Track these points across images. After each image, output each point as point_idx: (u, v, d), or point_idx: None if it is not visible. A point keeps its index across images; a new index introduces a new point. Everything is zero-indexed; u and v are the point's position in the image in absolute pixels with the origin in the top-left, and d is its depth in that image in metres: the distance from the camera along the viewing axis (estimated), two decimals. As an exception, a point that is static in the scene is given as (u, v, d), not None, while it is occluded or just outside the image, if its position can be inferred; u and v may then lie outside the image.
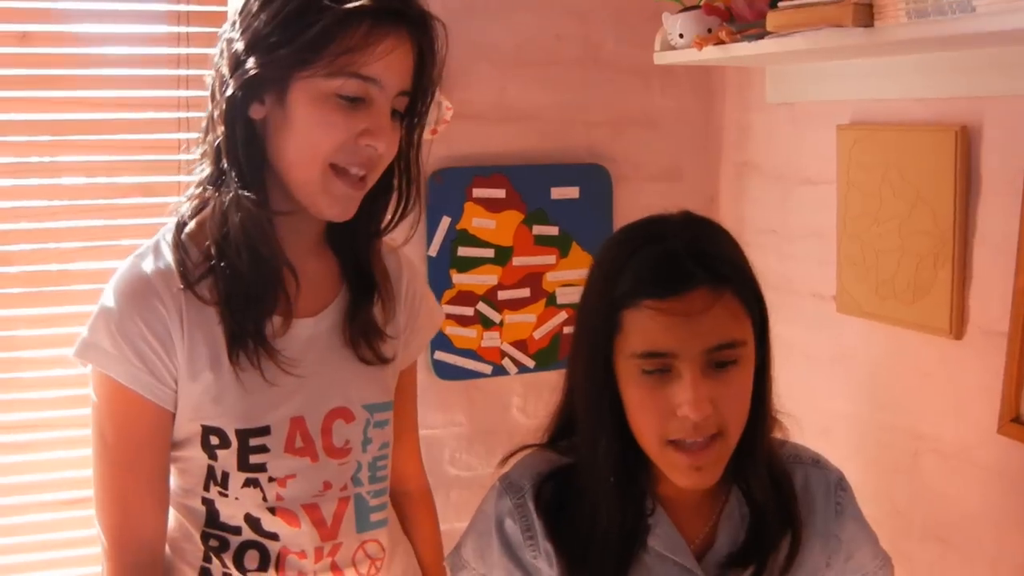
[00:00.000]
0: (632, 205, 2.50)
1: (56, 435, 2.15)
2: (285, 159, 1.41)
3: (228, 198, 1.39)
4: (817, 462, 1.49)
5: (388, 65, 1.38)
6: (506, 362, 2.45)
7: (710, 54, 2.07)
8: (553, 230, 2.44)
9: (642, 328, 1.26)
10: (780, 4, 1.83)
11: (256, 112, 1.39)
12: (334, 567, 1.53)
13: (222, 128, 1.39)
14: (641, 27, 2.38)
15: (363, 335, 1.54)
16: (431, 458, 2.43)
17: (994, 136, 1.81)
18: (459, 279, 2.39)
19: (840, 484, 1.47)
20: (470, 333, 2.41)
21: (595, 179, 2.46)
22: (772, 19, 1.83)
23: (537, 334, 2.46)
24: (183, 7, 2.14)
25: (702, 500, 1.39)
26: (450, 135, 2.31)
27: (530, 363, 2.47)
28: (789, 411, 1.44)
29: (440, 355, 2.40)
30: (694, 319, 1.24)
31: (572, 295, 2.47)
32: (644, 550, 1.36)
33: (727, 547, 1.39)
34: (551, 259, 2.44)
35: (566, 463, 1.41)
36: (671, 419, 1.26)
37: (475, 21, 2.35)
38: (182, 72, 2.12)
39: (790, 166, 2.33)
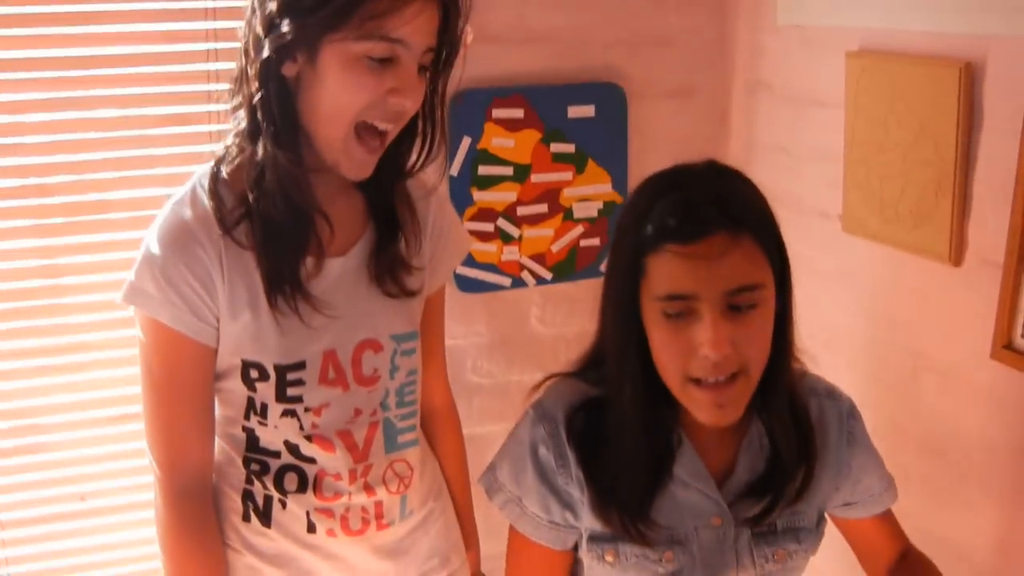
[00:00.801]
0: (646, 122, 2.56)
1: (101, 355, 2.25)
2: (315, 116, 1.47)
3: (263, 154, 1.46)
4: (831, 393, 1.59)
5: (415, 27, 1.43)
6: (525, 274, 2.54)
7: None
8: (570, 148, 2.50)
9: (664, 272, 1.34)
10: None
11: (288, 70, 1.45)
12: (366, 487, 1.64)
13: (256, 85, 1.44)
14: (657, -55, 2.40)
15: (388, 271, 1.62)
16: (454, 367, 2.53)
17: (997, 74, 1.86)
18: (479, 196, 2.46)
19: (851, 413, 1.58)
20: (490, 248, 2.50)
21: (610, 97, 2.51)
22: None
23: (555, 247, 2.55)
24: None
25: (724, 431, 1.48)
26: (470, 58, 2.26)
27: (548, 275, 2.56)
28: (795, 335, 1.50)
29: (461, 269, 2.49)
30: (714, 262, 1.31)
31: (588, 210, 2.55)
32: (669, 477, 1.47)
33: (746, 476, 1.50)
34: (568, 175, 2.51)
35: (596, 395, 1.50)
36: (692, 358, 1.35)
37: (494, -56, 2.36)
38: (209, 3, 2.15)
39: (800, 87, 2.38)
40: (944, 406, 2.04)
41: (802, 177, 2.37)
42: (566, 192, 2.52)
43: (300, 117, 1.48)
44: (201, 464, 1.60)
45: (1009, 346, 1.86)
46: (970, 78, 1.89)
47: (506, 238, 2.50)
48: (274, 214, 1.49)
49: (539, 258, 2.54)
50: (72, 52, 2.11)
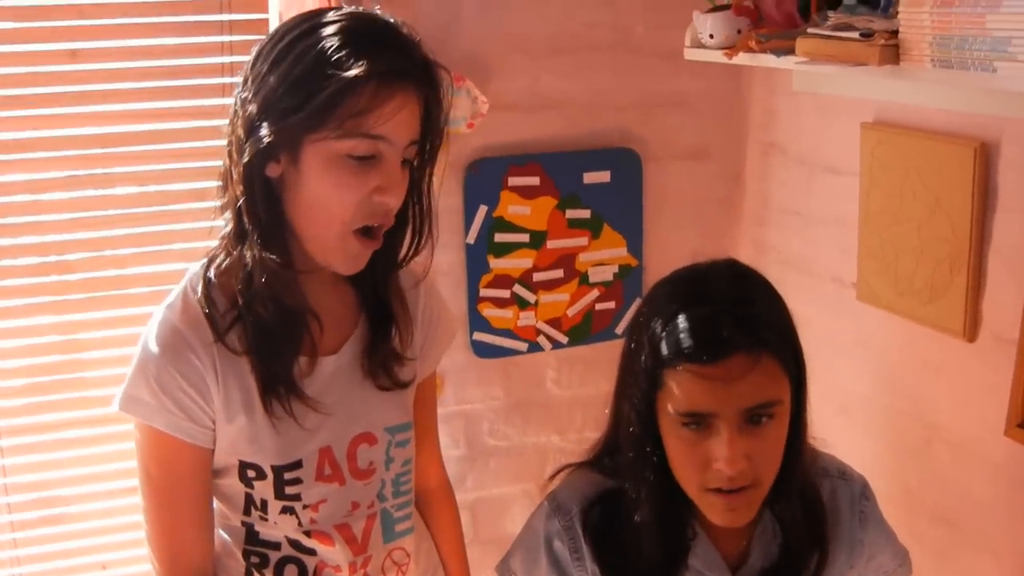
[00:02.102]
0: (661, 185, 2.57)
1: (118, 429, 2.26)
2: (302, 216, 1.44)
3: (251, 257, 1.44)
4: (843, 474, 1.58)
5: (397, 122, 1.40)
6: (541, 339, 2.55)
7: (738, 60, 2.11)
8: (585, 213, 2.51)
9: (682, 389, 1.34)
10: (810, 29, 1.87)
11: (272, 170, 1.42)
12: None
13: (241, 188, 1.42)
14: (670, 10, 2.42)
15: (382, 367, 1.61)
16: (471, 430, 2.58)
17: (1011, 155, 1.87)
18: (496, 264, 2.47)
19: (864, 493, 1.57)
20: (506, 314, 2.51)
21: (625, 162, 2.52)
22: (802, 45, 1.87)
23: (570, 312, 2.56)
24: (226, 16, 2.18)
25: None
26: (486, 126, 2.36)
27: (563, 339, 2.57)
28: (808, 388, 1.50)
29: (478, 335, 2.51)
30: (733, 383, 1.31)
31: (604, 274, 2.56)
32: (685, 568, 1.47)
33: (760, 563, 1.50)
34: (583, 241, 2.52)
35: (611, 487, 1.50)
36: (708, 470, 1.35)
37: (509, 13, 2.39)
38: (227, 80, 2.18)
39: (815, 152, 2.39)
40: (957, 477, 2.04)
41: (816, 242, 2.38)
42: (582, 257, 2.53)
43: (287, 217, 1.46)
44: (203, 562, 1.59)
45: (1024, 425, 1.87)
46: (985, 157, 1.90)
47: (522, 304, 2.51)
48: (265, 317, 1.47)
49: (555, 322, 2.55)
50: (92, 131, 2.14)
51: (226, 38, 2.18)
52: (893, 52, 1.71)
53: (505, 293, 2.49)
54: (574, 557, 1.50)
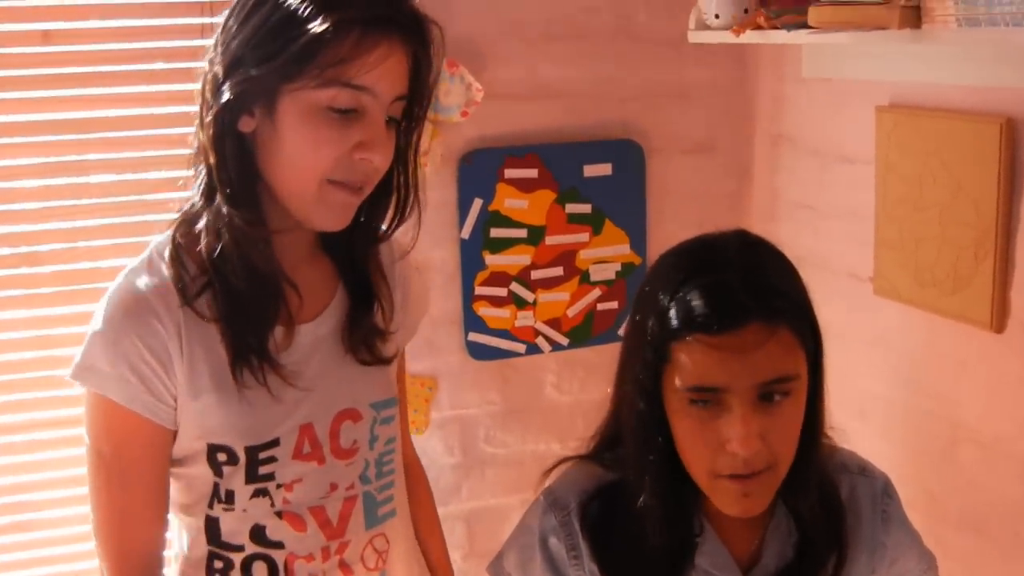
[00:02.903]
0: (665, 180, 2.48)
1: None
2: (277, 173, 1.36)
3: (220, 216, 1.35)
4: (863, 470, 1.47)
5: (382, 73, 1.33)
6: (540, 340, 2.45)
7: (746, 38, 2.01)
8: (586, 208, 2.42)
9: (692, 362, 1.23)
10: (823, -1, 1.78)
11: (245, 125, 1.34)
12: (342, 565, 1.52)
13: (212, 152, 1.34)
14: (673, -4, 2.34)
15: (363, 342, 1.52)
16: (467, 436, 2.49)
17: (1040, 129, 1.77)
18: (492, 260, 2.38)
19: (886, 491, 1.46)
20: (503, 313, 2.41)
21: (628, 154, 2.43)
22: (814, 14, 1.78)
23: (571, 312, 2.46)
24: (207, -4, 2.09)
25: (749, 517, 1.36)
26: (481, 116, 2.28)
27: (564, 340, 2.47)
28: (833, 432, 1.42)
29: (474, 336, 2.40)
30: (747, 354, 1.21)
31: (606, 272, 2.46)
32: (691, 568, 1.36)
33: (774, 563, 1.39)
34: (584, 237, 2.43)
35: (611, 480, 1.40)
36: (720, 453, 1.25)
37: (503, -1, 2.31)
38: (205, 64, 2.08)
39: (827, 142, 2.29)
40: (985, 479, 1.94)
41: (829, 236, 2.28)
42: (582, 254, 2.44)
43: (260, 175, 1.37)
44: (153, 552, 1.48)
45: (1058, 418, 1.75)
46: (1012, 134, 1.80)
47: (520, 303, 2.41)
48: (235, 283, 1.38)
49: (555, 323, 2.45)
50: (65, 115, 2.05)
51: (206, 19, 2.09)
52: (914, 14, 1.62)
53: (502, 291, 2.39)
54: (571, 555, 1.39)
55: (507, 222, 2.37)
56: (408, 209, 1.49)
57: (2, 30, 2.01)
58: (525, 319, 2.42)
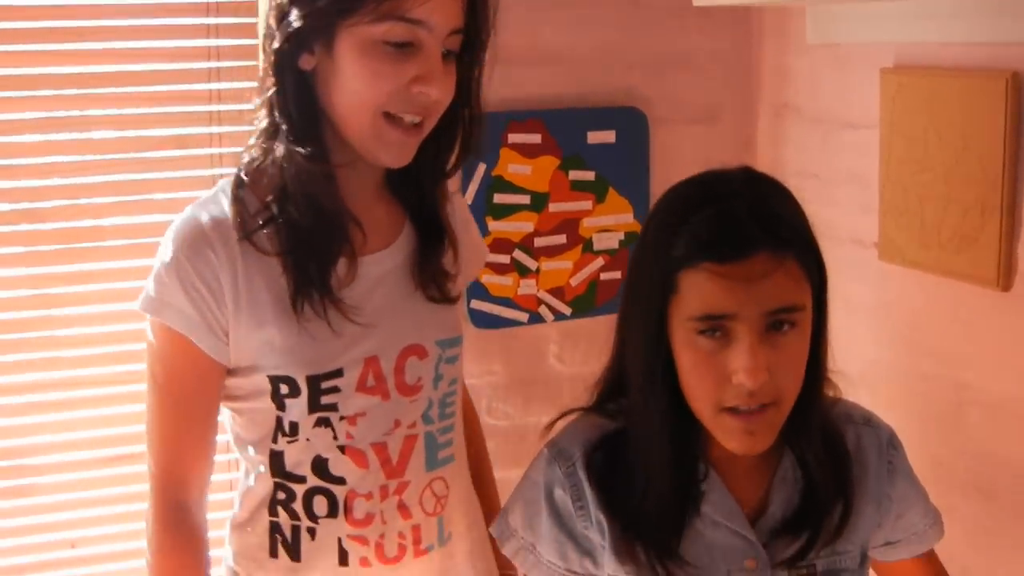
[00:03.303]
0: (669, 148, 2.47)
1: (93, 392, 2.16)
2: (337, 109, 1.40)
3: (283, 152, 1.39)
4: (868, 421, 1.47)
5: (435, 6, 1.35)
6: (543, 310, 2.44)
7: (751, -2, 2.02)
8: (590, 175, 2.41)
9: (700, 290, 1.23)
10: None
11: (306, 63, 1.39)
12: (401, 506, 1.54)
13: (272, 80, 1.39)
14: (678, -37, 2.33)
15: (433, 279, 1.55)
16: (469, 407, 2.46)
17: (1047, 82, 1.77)
18: (495, 226, 2.37)
19: (891, 442, 1.46)
20: (506, 281, 2.40)
21: (631, 122, 2.42)
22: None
23: (574, 281, 2.45)
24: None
25: (754, 464, 1.37)
26: (484, 79, 2.26)
27: (567, 310, 2.45)
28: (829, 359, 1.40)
29: (476, 304, 2.39)
30: (755, 283, 1.21)
31: (609, 241, 2.45)
32: (697, 516, 1.35)
33: (780, 512, 1.38)
34: (588, 204, 2.42)
35: (615, 428, 1.39)
36: (726, 385, 1.24)
37: (507, -39, 2.30)
38: (211, 20, 2.09)
39: (831, 109, 2.28)
40: (993, 442, 1.92)
41: (835, 203, 2.27)
42: (586, 222, 2.43)
43: (323, 112, 1.42)
44: (198, 479, 1.52)
45: (1066, 373, 1.74)
46: (1017, 88, 1.79)
47: (523, 271, 2.40)
48: (299, 219, 1.41)
49: (558, 292, 2.44)
50: (68, 70, 2.05)
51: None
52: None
53: (505, 259, 2.38)
54: (577, 506, 1.38)
55: (510, 187, 2.36)
56: (472, 146, 1.53)
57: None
58: (528, 287, 2.41)
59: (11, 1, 2.00)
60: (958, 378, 1.98)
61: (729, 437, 1.28)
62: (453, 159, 1.54)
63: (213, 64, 2.07)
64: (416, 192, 1.55)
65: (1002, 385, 1.88)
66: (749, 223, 1.23)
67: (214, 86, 2.08)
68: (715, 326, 1.23)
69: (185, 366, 1.46)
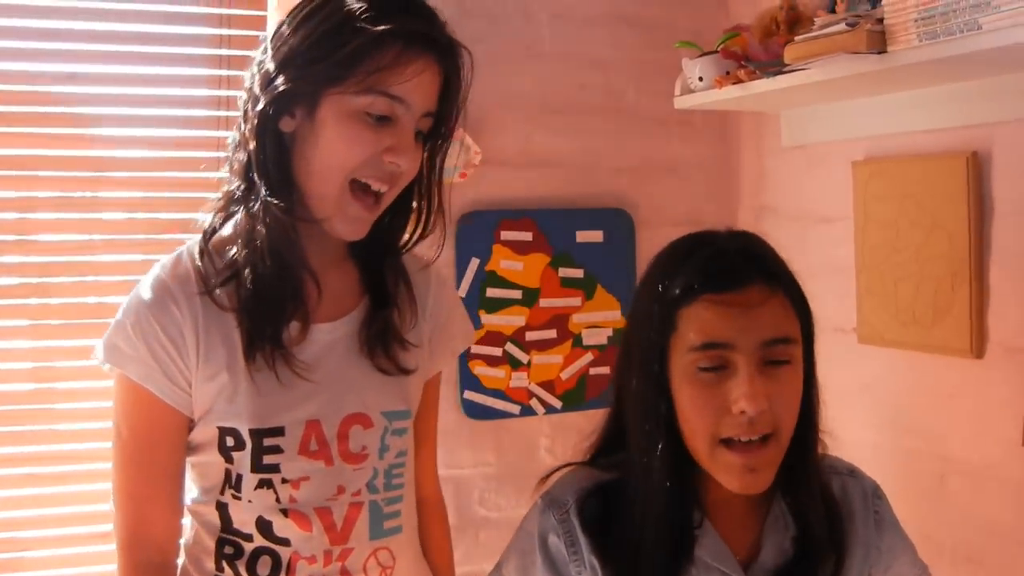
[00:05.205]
0: (654, 249, 2.46)
1: (91, 467, 2.17)
2: (309, 171, 1.45)
3: (257, 206, 1.44)
4: (852, 472, 1.51)
5: (415, 87, 1.43)
6: (534, 402, 2.48)
7: (729, 93, 2.14)
8: (578, 272, 2.50)
9: (699, 322, 1.29)
10: (796, 38, 1.90)
11: (286, 125, 1.44)
12: (344, 572, 1.52)
13: (253, 143, 1.43)
14: (660, 77, 2.48)
15: (379, 342, 1.56)
16: (461, 498, 2.47)
17: (1003, 159, 1.88)
18: (488, 320, 2.43)
19: (876, 493, 1.50)
20: (499, 373, 2.45)
21: (618, 223, 2.53)
22: (789, 52, 1.91)
23: (564, 375, 2.50)
24: (224, 52, 2.23)
25: (746, 510, 1.40)
26: (479, 179, 2.39)
27: (557, 403, 2.50)
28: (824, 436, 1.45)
29: (469, 395, 2.43)
30: (752, 311, 1.28)
31: (598, 337, 2.52)
32: (691, 561, 1.36)
33: (772, 558, 1.39)
34: (577, 301, 2.50)
35: (609, 478, 1.41)
36: (726, 416, 1.28)
37: (502, 71, 2.45)
38: (221, 113, 2.21)
39: (807, 206, 2.40)
40: (978, 507, 1.95)
41: (814, 295, 2.25)
42: (575, 318, 2.50)
43: (294, 174, 1.46)
44: (166, 538, 1.51)
45: (1042, 431, 1.78)
46: (978, 166, 1.92)
47: (515, 364, 2.45)
48: (261, 270, 1.45)
49: (548, 385, 2.49)
50: (80, 153, 2.15)
51: (223, 72, 2.23)
52: (879, 37, 1.75)
53: (497, 351, 2.44)
54: (571, 552, 1.39)
55: (503, 283, 2.44)
56: (428, 225, 1.58)
57: (31, 70, 2.14)
58: (519, 380, 2.46)
59: (35, 87, 2.13)
60: (940, 450, 2.02)
61: (729, 474, 1.30)
62: (408, 235, 1.59)
63: (222, 154, 2.16)
64: (372, 262, 1.59)
65: (982, 451, 1.92)
66: (740, 259, 1.31)
67: (221, 175, 2.16)
68: (716, 358, 1.28)
69: (150, 419, 1.47)
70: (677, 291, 1.31)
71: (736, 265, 1.30)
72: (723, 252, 1.33)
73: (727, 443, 1.29)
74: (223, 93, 2.20)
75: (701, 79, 2.23)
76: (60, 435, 2.17)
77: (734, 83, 2.13)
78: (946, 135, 1.98)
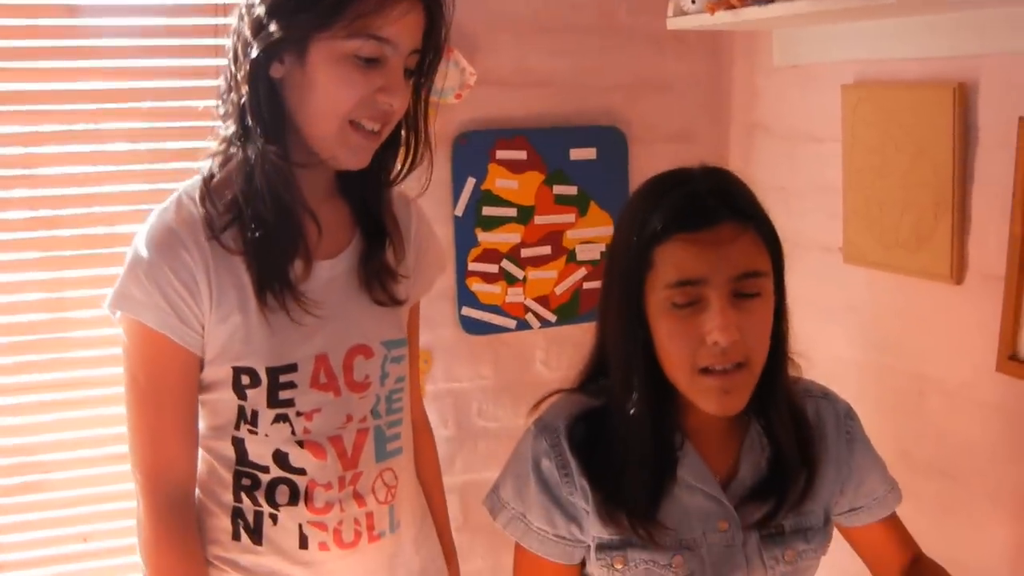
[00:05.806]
0: (647, 165, 2.58)
1: (104, 392, 2.25)
2: (305, 115, 1.50)
3: (253, 152, 1.48)
4: (826, 395, 1.60)
5: (402, 27, 1.47)
6: (529, 316, 2.56)
7: (721, 18, 2.16)
8: (572, 190, 2.54)
9: (674, 259, 1.36)
10: (790, -32, 1.92)
11: (276, 71, 1.48)
12: (356, 495, 1.61)
13: (246, 88, 1.47)
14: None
15: (376, 278, 1.63)
16: (460, 410, 2.57)
17: (989, 91, 1.91)
18: (484, 237, 2.50)
19: (848, 414, 1.58)
20: (495, 289, 2.52)
21: (611, 140, 2.56)
22: (783, -20, 1.93)
23: (558, 289, 2.57)
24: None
25: (725, 433, 1.49)
26: (474, 100, 2.41)
27: (552, 317, 2.57)
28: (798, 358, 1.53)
29: (467, 311, 2.51)
30: (723, 247, 1.35)
31: (591, 252, 2.58)
32: (674, 481, 1.46)
33: (750, 478, 1.49)
34: (571, 218, 2.55)
35: (597, 404, 1.50)
36: (701, 347, 1.36)
37: (494, -9, 2.45)
38: (219, 42, 2.20)
39: (797, 125, 2.43)
40: (952, 425, 2.04)
41: (802, 214, 2.40)
42: (569, 234, 2.56)
43: (289, 118, 1.51)
44: (185, 475, 1.58)
45: (1014, 357, 1.87)
46: (964, 97, 1.94)
47: (510, 280, 2.52)
48: (263, 213, 1.50)
49: (543, 300, 2.56)
50: (85, 85, 2.17)
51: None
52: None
53: (493, 268, 2.50)
54: (562, 474, 1.48)
55: (498, 201, 2.49)
56: (418, 157, 1.63)
57: (31, 2, 2.14)
58: (515, 295, 2.53)
59: (36, 21, 2.14)
60: (919, 370, 2.10)
61: (706, 398, 1.39)
62: (397, 168, 1.64)
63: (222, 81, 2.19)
64: (362, 197, 1.64)
65: (959, 372, 2.01)
66: (712, 198, 1.38)
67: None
68: (689, 294, 1.36)
69: (166, 362, 1.52)
70: (652, 230, 1.38)
71: (708, 204, 1.38)
72: (695, 192, 1.39)
73: (705, 371, 1.38)
74: (221, 21, 2.21)
75: (694, 2, 2.24)
76: (75, 362, 2.24)
77: (726, 8, 2.14)
78: (934, 64, 2.01)
